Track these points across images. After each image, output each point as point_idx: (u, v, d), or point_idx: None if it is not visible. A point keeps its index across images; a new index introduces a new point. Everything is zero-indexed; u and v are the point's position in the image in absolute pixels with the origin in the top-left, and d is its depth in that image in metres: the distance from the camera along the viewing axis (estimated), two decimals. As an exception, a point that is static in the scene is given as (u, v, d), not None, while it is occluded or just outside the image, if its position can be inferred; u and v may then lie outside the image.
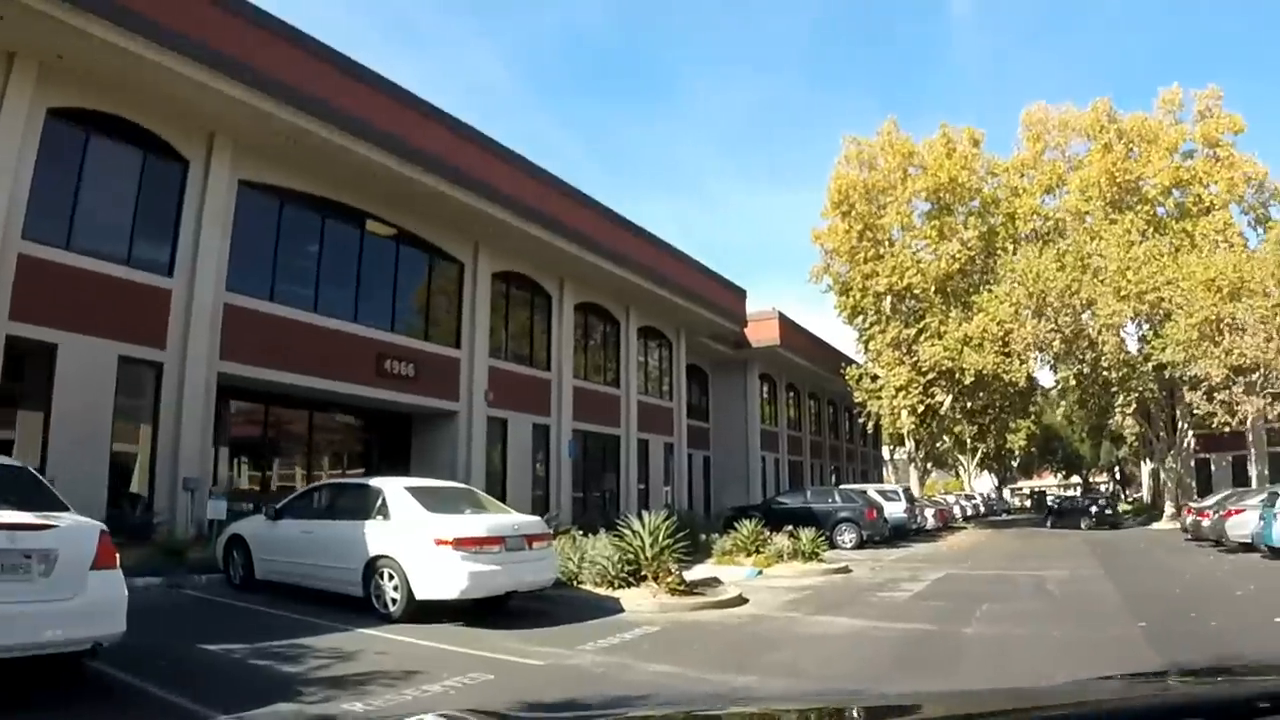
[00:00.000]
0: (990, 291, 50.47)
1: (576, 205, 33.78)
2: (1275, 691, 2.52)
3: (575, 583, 17.34)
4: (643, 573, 17.17)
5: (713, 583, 19.51)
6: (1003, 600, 17.89)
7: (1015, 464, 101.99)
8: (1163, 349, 45.08)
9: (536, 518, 16.35)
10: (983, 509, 74.63)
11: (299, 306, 25.13)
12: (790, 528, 25.65)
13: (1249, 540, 28.30)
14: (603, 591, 16.89)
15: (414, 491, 14.99)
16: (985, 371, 48.55)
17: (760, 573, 22.66)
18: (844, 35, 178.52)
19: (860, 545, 33.77)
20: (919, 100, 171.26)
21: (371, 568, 14.24)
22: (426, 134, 26.66)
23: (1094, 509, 58.98)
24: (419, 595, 13.69)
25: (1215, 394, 43.86)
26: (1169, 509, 52.11)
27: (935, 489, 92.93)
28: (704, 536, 26.01)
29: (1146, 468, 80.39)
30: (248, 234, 23.82)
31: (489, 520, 14.66)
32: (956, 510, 60.65)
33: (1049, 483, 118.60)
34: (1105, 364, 46.83)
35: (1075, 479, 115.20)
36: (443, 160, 27.00)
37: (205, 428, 22.05)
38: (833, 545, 33.18)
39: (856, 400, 53.39)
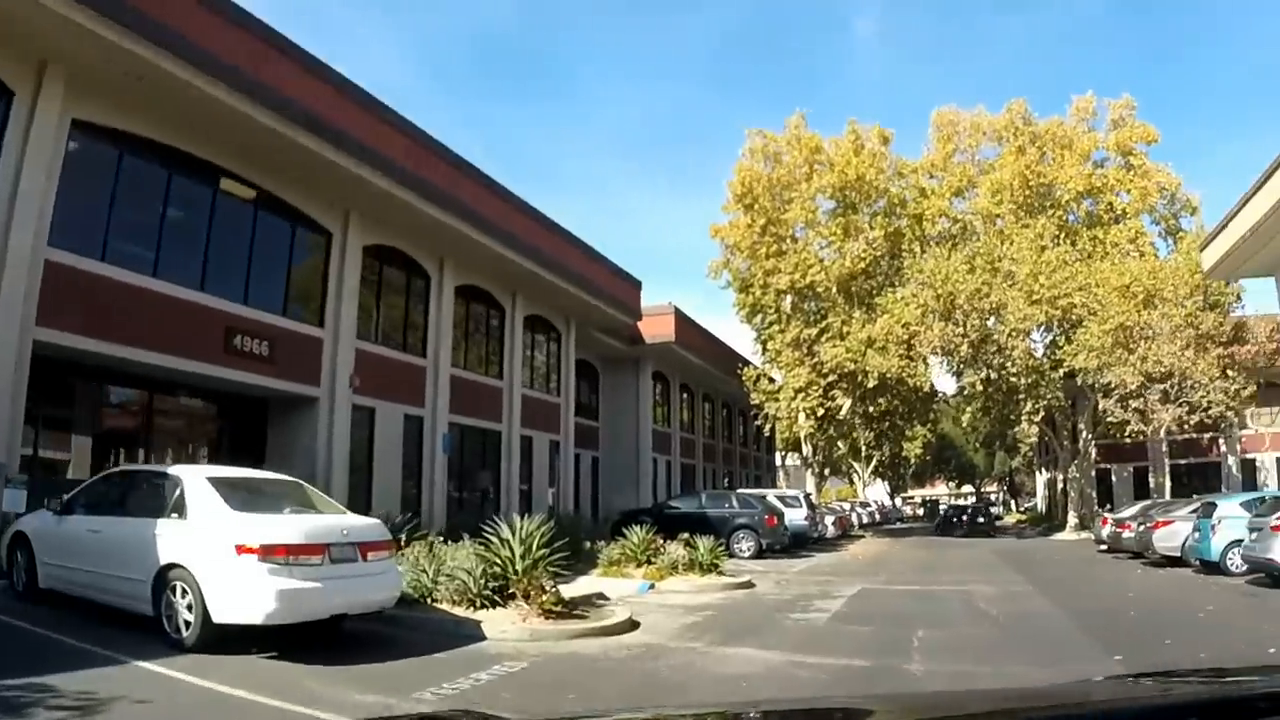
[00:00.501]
0: (896, 293, 48.63)
1: (462, 177, 30.69)
2: (1275, 691, 2.62)
3: (429, 600, 14.27)
4: (512, 590, 14.15)
5: (597, 600, 16.69)
6: (938, 624, 15.33)
7: (909, 472, 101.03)
8: (1075, 355, 43.58)
9: (374, 520, 13.13)
10: (878, 517, 72.98)
11: (136, 269, 21.59)
12: (685, 535, 22.87)
13: (1178, 554, 26.63)
14: (462, 612, 13.79)
15: (218, 483, 11.77)
16: (889, 375, 46.58)
17: (653, 586, 19.95)
18: (747, 48, 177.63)
19: (759, 554, 31.33)
20: (823, 113, 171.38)
21: (162, 580, 11.08)
22: (303, 87, 23.36)
23: (980, 518, 61.99)
24: (216, 618, 10.58)
25: (1130, 401, 42.48)
26: (1072, 519, 50.72)
27: (829, 496, 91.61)
28: (589, 544, 23.31)
29: (1041, 478, 79.75)
30: (79, 182, 20.19)
31: (308, 523, 11.56)
32: (853, 518, 58.87)
33: (940, 491, 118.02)
34: (1013, 370, 45.19)
35: (968, 488, 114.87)
36: (319, 118, 23.77)
37: (15, 402, 18.59)
38: (730, 554, 30.86)
39: (753, 402, 51.07)
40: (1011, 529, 66.41)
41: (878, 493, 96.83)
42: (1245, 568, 22.67)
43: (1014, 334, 44.63)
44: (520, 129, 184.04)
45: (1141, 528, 29.31)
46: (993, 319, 45.70)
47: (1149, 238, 49.15)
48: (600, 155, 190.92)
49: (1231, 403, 42.83)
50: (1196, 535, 24.91)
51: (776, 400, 49.13)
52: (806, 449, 52.63)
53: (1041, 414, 46.91)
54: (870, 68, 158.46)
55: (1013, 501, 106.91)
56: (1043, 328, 46.46)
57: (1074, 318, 44.29)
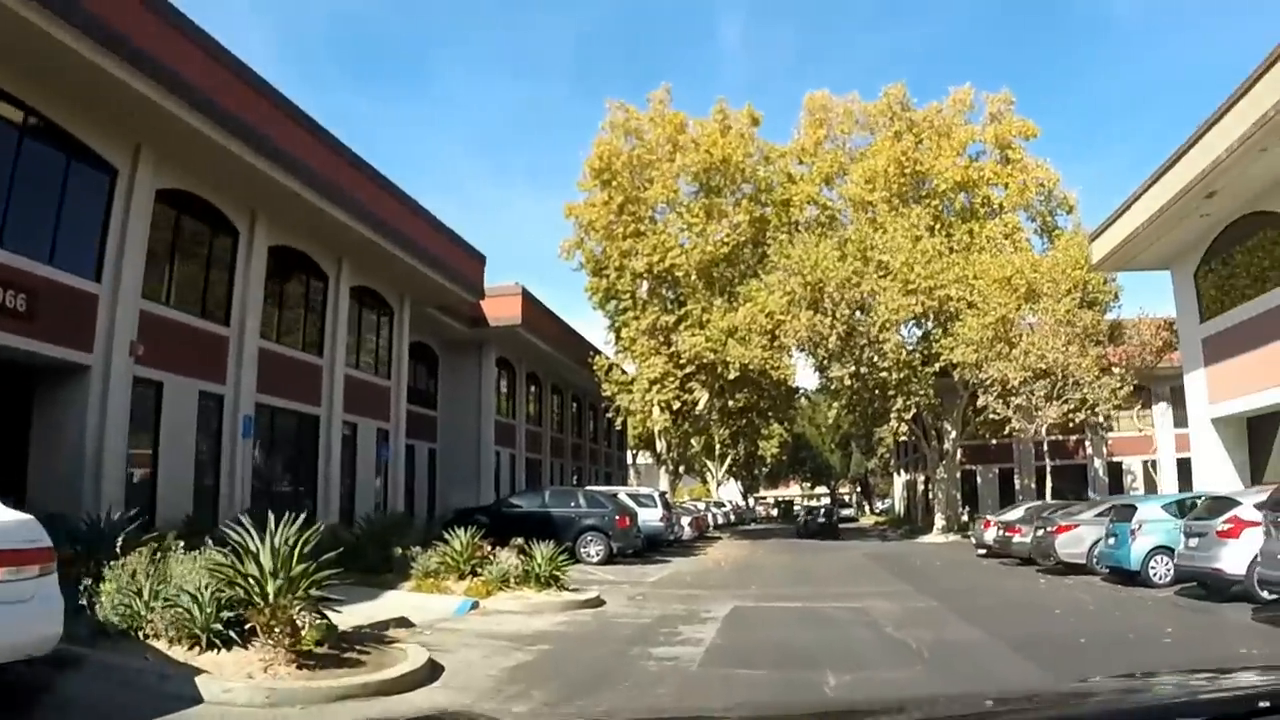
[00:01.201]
0: (761, 280, 45.85)
1: (283, 117, 26.23)
2: (1275, 691, 2.56)
3: (138, 634, 9.88)
4: (253, 623, 9.75)
5: (390, 632, 12.57)
6: (849, 664, 11.40)
7: (764, 472, 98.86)
8: (952, 349, 41.30)
9: (19, 517, 8.12)
10: (733, 517, 70.40)
11: None
12: (520, 541, 18.95)
13: (1082, 561, 24.18)
14: (184, 654, 9.48)
15: None
16: (751, 367, 43.65)
17: (476, 605, 15.97)
18: (609, 49, 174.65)
19: (610, 559, 27.84)
20: (688, 101, 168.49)
21: None
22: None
23: (834, 519, 61.20)
24: None
25: (1011, 399, 40.37)
26: (939, 521, 48.58)
27: (684, 495, 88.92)
28: (403, 550, 19.17)
29: (900, 479, 78.19)
30: None
31: None
32: (708, 518, 56.03)
33: (794, 492, 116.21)
34: (884, 364, 42.72)
35: (821, 489, 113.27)
36: (114, 30, 19.50)
37: None
38: (576, 559, 27.44)
39: (605, 395, 47.71)
40: (872, 531, 64.38)
41: (731, 493, 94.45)
42: (1169, 578, 20.35)
43: (886, 326, 42.17)
44: (377, 120, 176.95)
45: (1041, 532, 26.67)
46: (863, 310, 43.24)
47: (1025, 233, 47.23)
48: (457, 150, 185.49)
49: (1115, 401, 41.03)
50: (1111, 541, 22.21)
51: (630, 392, 45.81)
52: (661, 445, 49.47)
53: (913, 411, 44.54)
54: (735, 72, 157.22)
55: (867, 504, 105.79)
56: (916, 321, 44.09)
57: (950, 310, 42.06)
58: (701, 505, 59.47)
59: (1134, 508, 22.36)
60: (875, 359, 43.23)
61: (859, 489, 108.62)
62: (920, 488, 66.96)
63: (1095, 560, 23.74)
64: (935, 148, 47.22)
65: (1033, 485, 55.80)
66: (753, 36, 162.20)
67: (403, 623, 13.36)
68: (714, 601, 18.65)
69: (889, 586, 22.39)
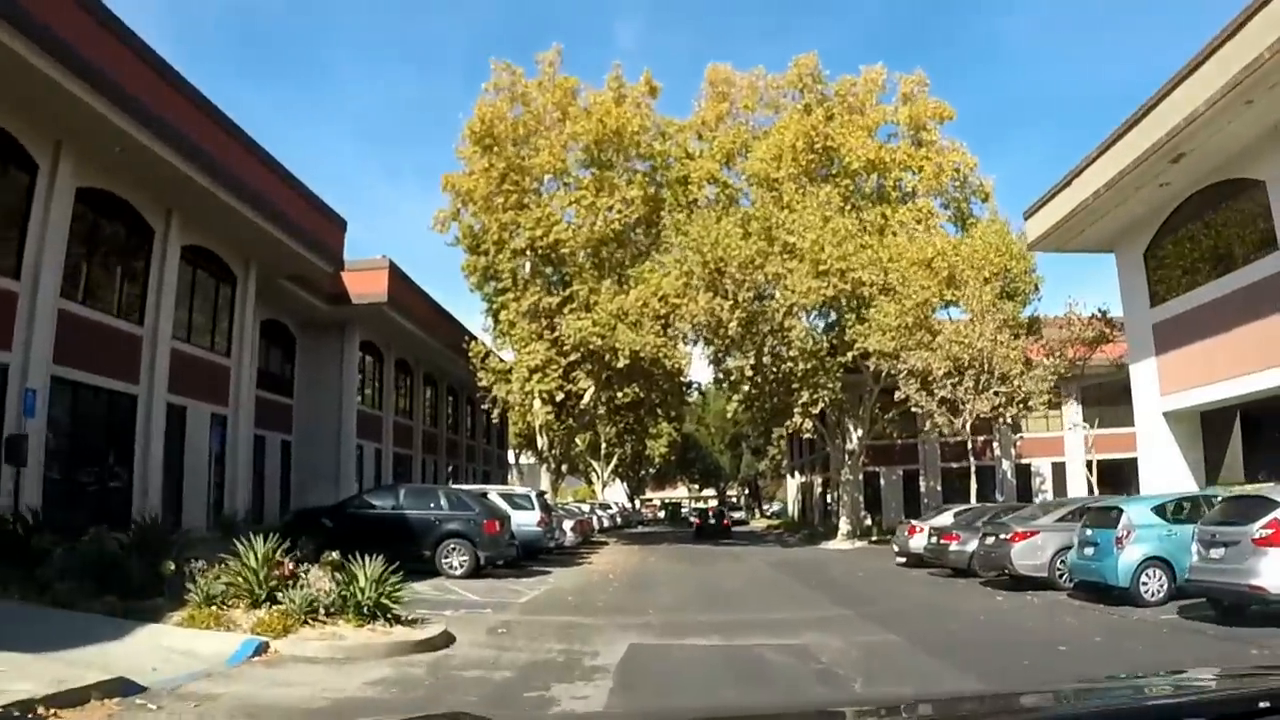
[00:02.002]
0: (655, 261, 41.35)
1: (94, 25, 21.32)
2: (1275, 691, 2.57)
3: None
4: None
5: (84, 711, 7.58)
6: None
7: (652, 473, 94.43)
8: (867, 336, 37.17)
9: None
10: (619, 520, 65.79)
11: None
12: (334, 557, 13.50)
13: (1043, 574, 20.25)
14: None
15: None
16: (642, 355, 39.08)
17: (264, 648, 11.01)
18: (503, 48, 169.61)
19: (476, 571, 22.90)
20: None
21: None
22: None
23: (725, 521, 59.22)
24: None
25: (935, 391, 36.38)
26: (844, 526, 44.49)
27: (567, 496, 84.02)
28: (177, 568, 13.73)
29: (794, 481, 74.38)
30: None
31: None
32: (594, 521, 51.40)
33: (681, 494, 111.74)
34: (790, 354, 38.49)
35: (709, 491, 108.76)
36: None
37: None
38: (438, 571, 22.65)
39: (481, 384, 42.74)
40: (766, 535, 60.10)
41: (617, 494, 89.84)
42: (1162, 594, 16.70)
43: (793, 311, 37.97)
44: (268, 113, 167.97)
45: (991, 540, 22.38)
46: (767, 296, 38.97)
47: (939, 219, 43.38)
48: (346, 145, 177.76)
49: (1046, 395, 37.29)
50: (1089, 551, 18.12)
51: (508, 382, 40.93)
52: (542, 442, 44.62)
53: (820, 406, 40.29)
54: (632, 50, 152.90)
55: (756, 507, 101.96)
56: (825, 308, 39.81)
57: (863, 295, 37.96)
58: (586, 507, 54.86)
59: (1118, 510, 18.20)
60: (779, 348, 39.03)
61: (747, 492, 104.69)
62: (817, 490, 63.16)
63: (1060, 573, 19.83)
64: (847, 124, 43.11)
65: (938, 488, 52.42)
66: (651, 41, 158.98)
67: (118, 687, 8.40)
68: (602, 636, 13.92)
69: (820, 609, 17.95)
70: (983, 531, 23.06)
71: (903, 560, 29.94)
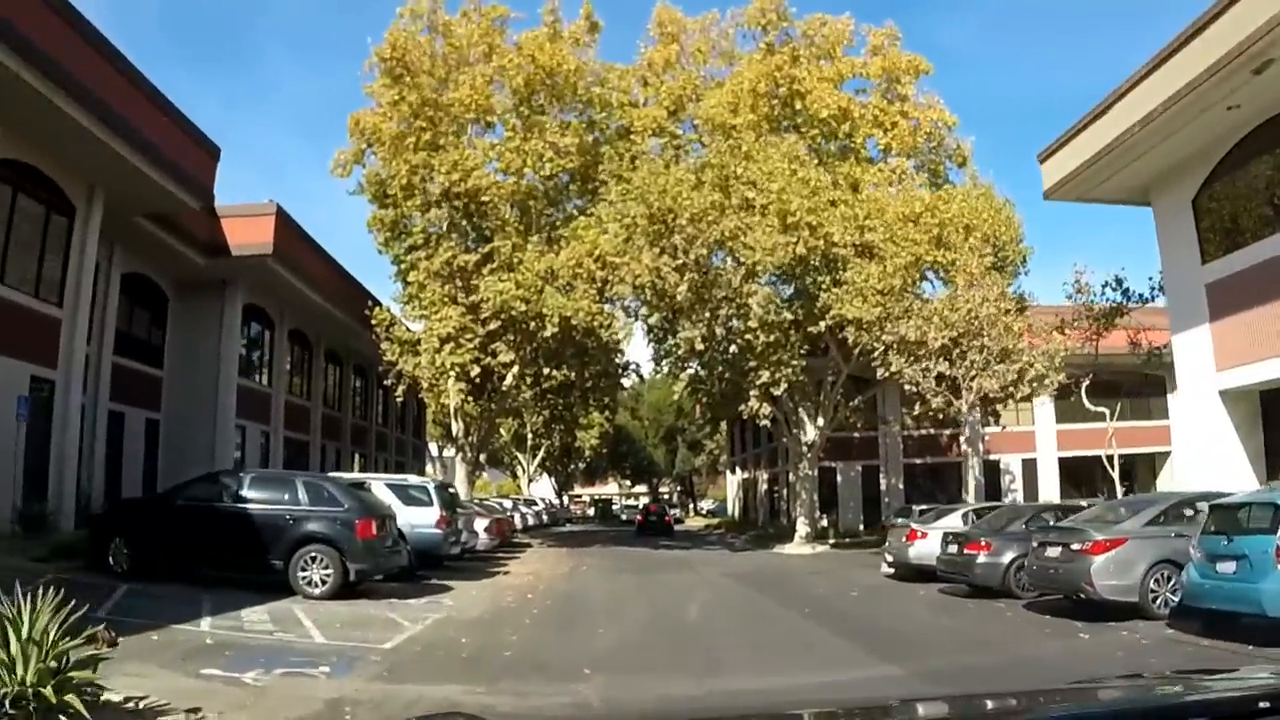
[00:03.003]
0: (592, 215, 35.00)
1: None
2: (1275, 692, 2.56)
3: None
4: None
5: None
6: None
7: (582, 467, 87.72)
8: (844, 302, 30.99)
9: None
10: (545, 518, 59.25)
11: None
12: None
13: (1132, 598, 14.55)
14: None
15: None
16: (575, 323, 32.69)
17: None
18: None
19: (346, 589, 16.54)
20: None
21: None
22: None
23: (667, 519, 55.65)
24: None
25: (930, 366, 30.32)
26: (802, 528, 38.31)
27: (489, 491, 77.31)
28: None
29: (735, 478, 68.24)
30: None
31: None
32: (516, 520, 44.92)
33: (611, 490, 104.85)
34: (750, 325, 32.33)
35: (641, 488, 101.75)
36: None
37: None
38: (290, 587, 16.20)
39: (385, 358, 36.09)
40: (707, 535, 53.68)
41: (545, 490, 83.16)
42: None
43: (755, 273, 31.82)
44: (203, 102, 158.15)
45: (1056, 551, 16.00)
46: (723, 254, 32.73)
47: (915, 180, 37.22)
48: (282, 136, 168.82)
49: (1059, 375, 31.25)
50: (1227, 568, 12.11)
51: (416, 355, 34.36)
52: (458, 428, 38.09)
53: (784, 386, 34.01)
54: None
55: (693, 504, 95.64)
56: (793, 269, 33.27)
57: (838, 256, 31.78)
58: (509, 504, 48.36)
59: (1275, 509, 12.15)
60: (735, 320, 32.94)
61: (680, 488, 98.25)
62: (762, 487, 57.06)
63: (1155, 596, 14.20)
64: (814, 69, 36.90)
65: (900, 485, 46.66)
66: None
67: None
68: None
69: (844, 663, 11.59)
70: (1038, 540, 16.87)
71: (891, 572, 24.03)
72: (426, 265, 33.84)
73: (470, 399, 36.59)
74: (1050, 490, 48.16)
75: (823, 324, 32.01)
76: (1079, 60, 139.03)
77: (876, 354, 31.78)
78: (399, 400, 39.93)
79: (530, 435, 67.46)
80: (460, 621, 15.20)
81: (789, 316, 33.04)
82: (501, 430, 68.41)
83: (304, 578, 16.59)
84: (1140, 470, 51.63)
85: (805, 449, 38.23)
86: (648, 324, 34.97)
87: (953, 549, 20.11)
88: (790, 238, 30.40)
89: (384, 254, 36.77)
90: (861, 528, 45.53)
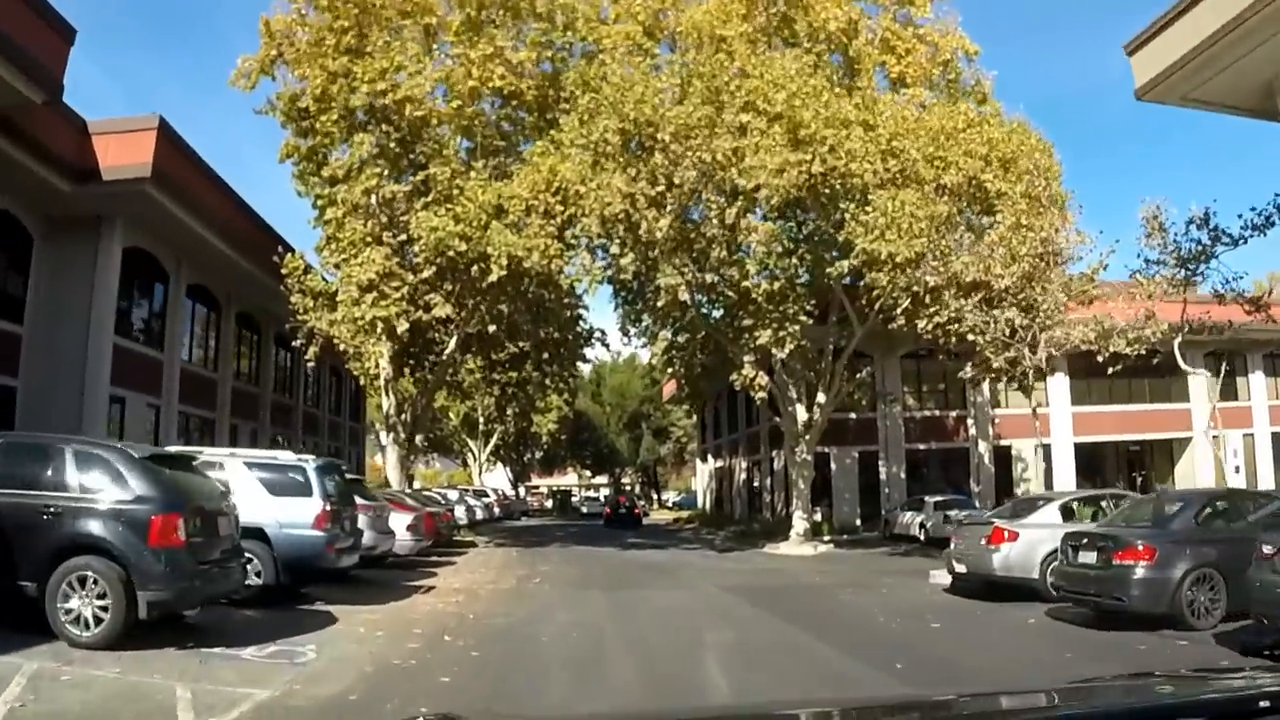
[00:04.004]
0: (550, 138, 27.76)
1: None
2: (1275, 691, 2.53)
3: None
4: None
5: None
6: None
7: (539, 456, 79.78)
8: (874, 236, 23.74)
9: None
10: (497, 510, 51.83)
11: None
12: None
13: None
14: None
15: None
16: (528, 267, 25.45)
17: None
18: None
19: (133, 629, 9.70)
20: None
21: None
22: None
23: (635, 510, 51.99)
24: None
25: (994, 317, 22.99)
26: (799, 524, 31.19)
27: (436, 481, 69.91)
28: None
29: (706, 466, 60.99)
30: None
31: None
32: (460, 512, 37.62)
33: (570, 481, 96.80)
34: (752, 269, 25.28)
35: (602, 479, 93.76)
36: None
37: None
38: (49, 628, 9.15)
39: (295, 313, 28.63)
40: (679, 531, 46.12)
41: (499, 480, 75.57)
42: None
43: (755, 202, 24.76)
44: (163, 85, 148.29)
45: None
46: (717, 183, 25.48)
47: (939, 108, 30.00)
48: (241, 118, 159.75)
49: (1157, 332, 23.91)
50: None
51: (333, 309, 27.05)
52: (388, 403, 30.81)
53: (790, 348, 26.76)
54: None
55: (656, 496, 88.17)
56: (804, 200, 25.91)
57: (861, 183, 24.59)
58: (453, 495, 41.09)
59: None
60: (727, 267, 25.98)
61: (644, 479, 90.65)
62: (739, 476, 49.98)
63: None
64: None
65: (901, 474, 39.85)
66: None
67: None
68: None
69: None
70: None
71: (949, 584, 17.36)
72: (346, 197, 26.42)
73: (405, 370, 29.35)
74: (1066, 480, 41.51)
75: (844, 265, 24.76)
76: None
77: (903, 306, 24.78)
78: (308, 364, 31.78)
79: (482, 419, 60.04)
80: (299, 710, 8.07)
81: (795, 263, 25.88)
82: (451, 414, 61.09)
83: (67, 612, 9.49)
84: (1158, 458, 45.38)
85: (802, 430, 31.19)
86: (617, 271, 27.30)
87: (1088, 557, 13.13)
88: (803, 155, 23.25)
89: (302, 195, 29.27)
90: (858, 522, 38.63)
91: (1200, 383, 44.36)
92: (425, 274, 26.27)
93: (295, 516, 13.80)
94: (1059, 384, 41.17)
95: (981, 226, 24.54)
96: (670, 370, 35.29)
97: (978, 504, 34.36)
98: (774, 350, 25.96)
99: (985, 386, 40.60)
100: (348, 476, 19.15)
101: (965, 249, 23.73)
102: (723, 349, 31.28)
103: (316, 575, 14.63)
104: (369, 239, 26.18)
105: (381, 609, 14.17)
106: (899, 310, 25.58)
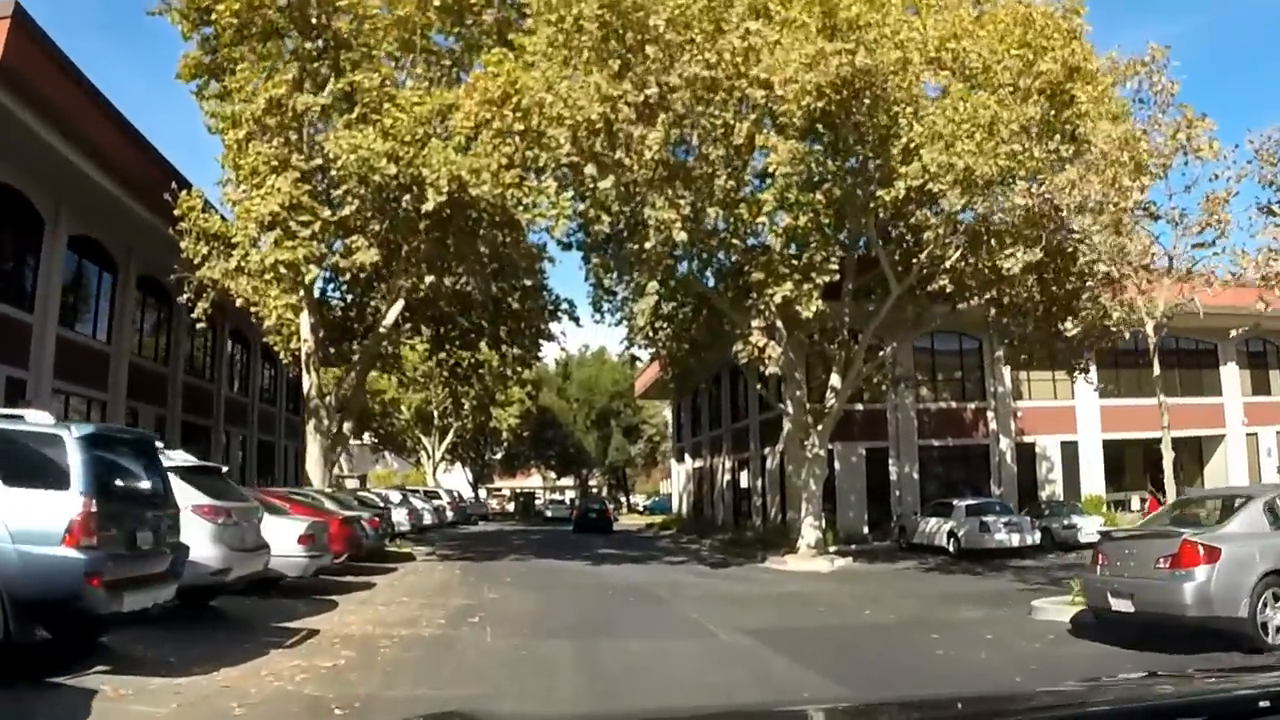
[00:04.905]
0: (511, 44, 21.54)
1: None
2: (1275, 691, 2.44)
3: None
4: None
5: None
6: None
7: (500, 455, 72.83)
8: (940, 148, 17.35)
9: None
10: (450, 514, 45.35)
11: None
12: None
13: None
14: None
15: None
16: (478, 197, 19.19)
17: None
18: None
19: None
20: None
21: None
22: None
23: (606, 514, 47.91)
24: None
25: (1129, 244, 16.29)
26: (810, 533, 24.99)
27: (392, 480, 63.34)
28: None
29: (683, 466, 54.66)
30: None
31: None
32: (400, 517, 31.35)
33: (535, 483, 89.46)
34: (768, 198, 19.06)
35: (567, 480, 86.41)
36: None
37: None
38: None
39: (188, 262, 22.16)
40: (658, 539, 39.57)
41: (459, 482, 68.91)
42: None
43: (774, 113, 18.63)
44: (111, 70, 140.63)
45: None
46: (724, 91, 19.22)
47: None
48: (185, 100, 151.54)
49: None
50: None
51: (229, 255, 20.64)
52: (309, 382, 24.54)
53: (817, 306, 20.44)
54: None
55: (625, 499, 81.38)
56: (836, 113, 19.36)
57: (898, 93, 18.40)
58: (395, 497, 34.87)
59: None
60: (734, 199, 19.92)
61: (612, 481, 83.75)
62: (723, 477, 43.75)
63: None
64: None
65: (914, 474, 34.02)
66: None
67: None
68: None
69: None
70: None
71: (1063, 623, 12.19)
72: (249, 109, 20.06)
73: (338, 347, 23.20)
74: (1095, 481, 35.81)
75: (899, 186, 18.44)
76: None
77: (956, 252, 18.74)
78: (198, 321, 24.72)
79: (436, 413, 53.52)
80: None
81: (821, 200, 19.62)
82: (403, 408, 54.69)
83: None
84: (1185, 458, 39.71)
85: (812, 420, 25.11)
86: (592, 210, 20.81)
87: None
88: (842, 44, 17.12)
89: (205, 113, 22.83)
90: (866, 530, 32.55)
91: (1232, 374, 38.96)
92: (347, 210, 20.00)
93: (34, 521, 7.65)
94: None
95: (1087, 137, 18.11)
96: (653, 345, 28.50)
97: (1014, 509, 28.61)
98: (798, 308, 19.76)
99: (1006, 376, 34.86)
100: (203, 465, 13.02)
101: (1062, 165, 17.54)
102: (717, 324, 25.34)
103: (77, 622, 8.45)
104: (276, 164, 19.86)
105: (184, 688, 7.97)
106: (950, 258, 19.62)
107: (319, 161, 20.12)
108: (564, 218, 19.39)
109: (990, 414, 34.97)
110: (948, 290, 21.22)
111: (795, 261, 19.84)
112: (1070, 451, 35.97)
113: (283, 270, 19.31)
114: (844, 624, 13.72)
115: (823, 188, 19.55)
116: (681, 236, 18.62)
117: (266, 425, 42.23)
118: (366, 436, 61.03)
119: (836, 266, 20.32)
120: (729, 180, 19.18)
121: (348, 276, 23.49)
